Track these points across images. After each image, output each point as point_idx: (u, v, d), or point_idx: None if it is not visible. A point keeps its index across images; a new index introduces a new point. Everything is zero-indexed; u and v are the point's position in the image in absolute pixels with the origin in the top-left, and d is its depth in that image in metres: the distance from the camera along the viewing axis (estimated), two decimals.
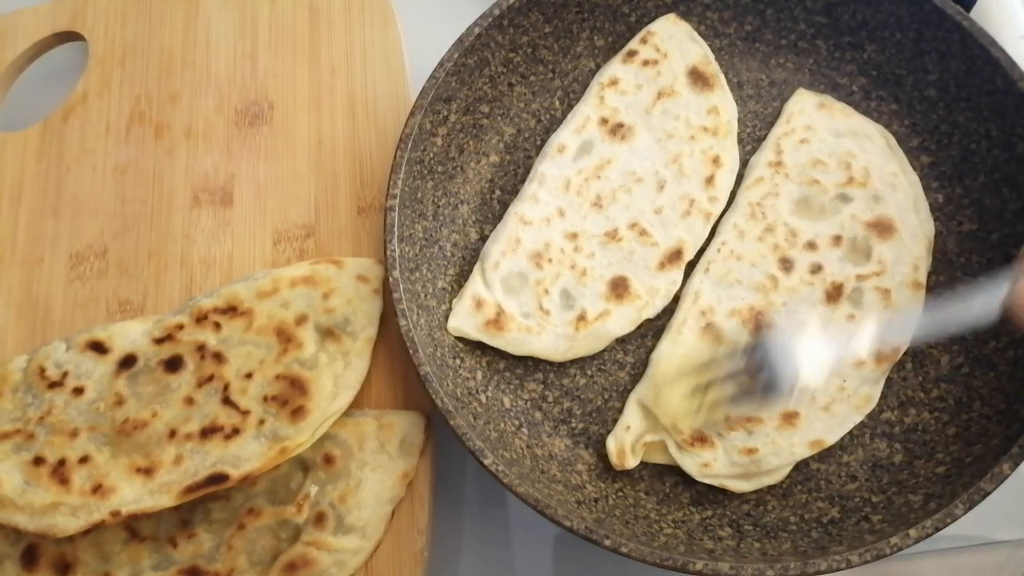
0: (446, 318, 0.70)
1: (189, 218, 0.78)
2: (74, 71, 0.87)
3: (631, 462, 0.65)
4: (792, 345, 0.61)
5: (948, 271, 0.71)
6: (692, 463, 0.65)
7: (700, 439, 0.65)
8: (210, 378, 0.68)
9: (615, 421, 0.69)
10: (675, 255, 0.71)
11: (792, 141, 0.74)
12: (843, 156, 0.73)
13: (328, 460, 0.67)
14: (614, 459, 0.65)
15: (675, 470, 0.67)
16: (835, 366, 0.63)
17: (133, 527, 0.66)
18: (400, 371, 0.72)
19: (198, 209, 0.78)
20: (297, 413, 0.66)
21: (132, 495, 0.63)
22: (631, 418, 0.67)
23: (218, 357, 0.68)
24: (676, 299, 0.71)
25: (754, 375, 0.62)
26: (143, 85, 0.84)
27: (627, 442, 0.65)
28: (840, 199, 0.72)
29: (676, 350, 0.68)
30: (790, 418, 0.65)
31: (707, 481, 0.65)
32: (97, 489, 0.63)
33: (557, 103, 0.79)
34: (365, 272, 0.73)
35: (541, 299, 0.70)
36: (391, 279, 0.65)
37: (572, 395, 0.70)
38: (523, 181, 0.76)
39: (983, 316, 0.57)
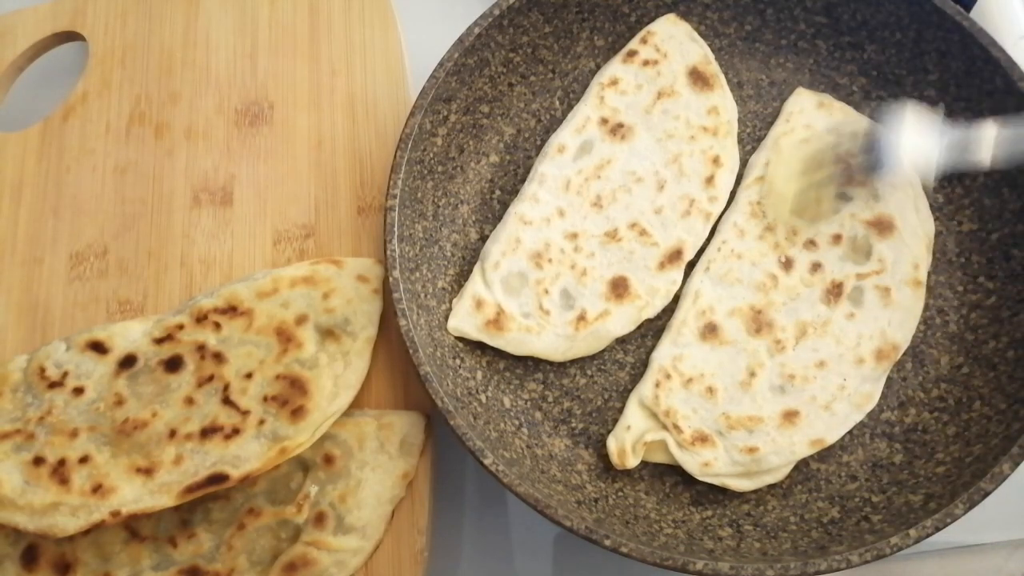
0: (446, 318, 0.70)
1: (189, 218, 0.78)
2: (74, 71, 0.87)
3: (632, 461, 0.65)
4: (903, 134, 0.63)
5: (948, 271, 0.71)
6: (693, 462, 0.65)
7: (701, 438, 0.65)
8: (210, 378, 0.68)
9: (615, 421, 0.69)
10: (675, 255, 0.71)
11: (792, 140, 0.74)
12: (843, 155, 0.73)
13: (328, 460, 0.67)
14: (615, 459, 0.65)
15: (675, 470, 0.67)
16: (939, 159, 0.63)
17: (133, 527, 0.66)
18: (400, 371, 0.72)
19: (198, 209, 0.78)
20: (297, 413, 0.66)
21: (132, 495, 0.63)
22: (632, 418, 0.67)
23: (218, 357, 0.68)
24: (676, 299, 0.71)
25: (864, 155, 0.65)
26: (143, 85, 0.84)
27: (628, 442, 0.65)
28: (840, 197, 0.72)
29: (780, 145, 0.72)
30: (791, 417, 0.65)
31: (708, 480, 0.65)
32: (97, 489, 0.63)
33: (557, 103, 0.79)
34: (365, 272, 0.73)
35: (541, 299, 0.70)
36: (391, 279, 0.65)
37: (572, 395, 0.70)
38: (523, 181, 0.76)
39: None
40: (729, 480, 0.65)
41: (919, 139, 0.63)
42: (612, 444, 0.66)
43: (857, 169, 0.66)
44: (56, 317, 0.75)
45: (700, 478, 0.65)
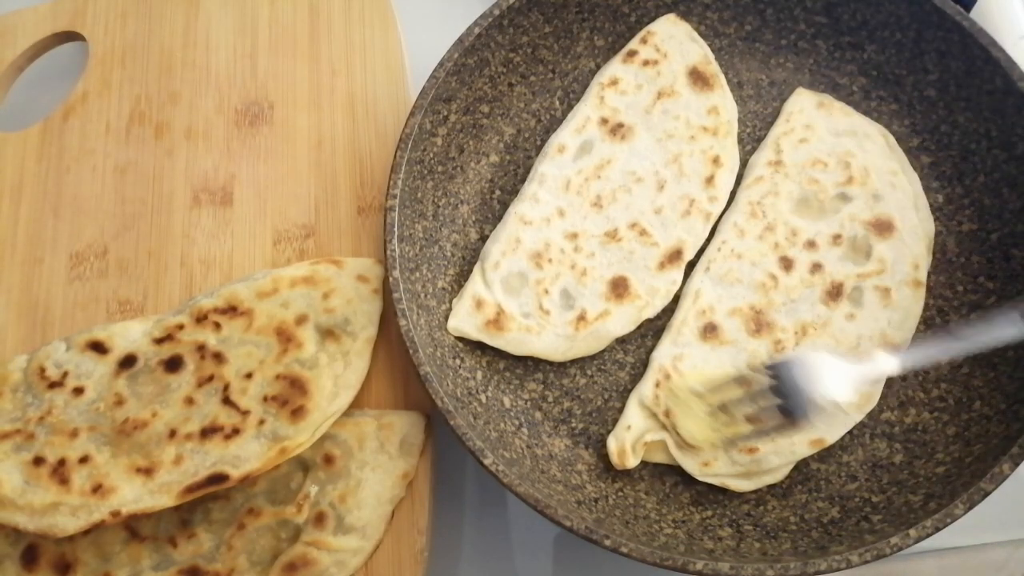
0: (446, 318, 0.70)
1: (189, 218, 0.78)
2: (74, 71, 0.87)
3: (632, 461, 0.65)
4: (810, 373, 0.60)
5: (948, 271, 0.71)
6: (693, 462, 0.65)
7: None
8: (210, 378, 0.68)
9: (615, 421, 0.69)
10: (675, 255, 0.71)
11: (792, 140, 0.74)
12: (842, 155, 0.73)
13: (328, 460, 0.67)
14: (615, 458, 0.65)
15: (675, 470, 0.67)
16: (852, 393, 0.61)
17: (133, 527, 0.66)
18: (400, 371, 0.71)
19: (198, 209, 0.78)
20: (297, 413, 0.66)
21: (132, 495, 0.63)
22: (632, 417, 0.67)
23: (218, 357, 0.68)
24: (676, 299, 0.71)
25: (774, 399, 0.60)
26: (143, 85, 0.84)
27: (628, 441, 0.65)
28: (840, 198, 0.72)
29: (697, 369, 0.67)
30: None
31: (708, 480, 0.65)
32: (97, 489, 0.63)
33: (557, 103, 0.79)
34: (365, 272, 0.73)
35: (541, 299, 0.70)
36: (391, 279, 0.65)
37: (572, 395, 0.70)
38: (523, 181, 0.76)
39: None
40: (729, 480, 0.65)
41: (828, 375, 0.60)
42: (612, 444, 0.66)
43: (771, 420, 0.61)
44: (56, 317, 0.75)
45: (700, 478, 0.65)
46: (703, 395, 0.65)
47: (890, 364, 0.60)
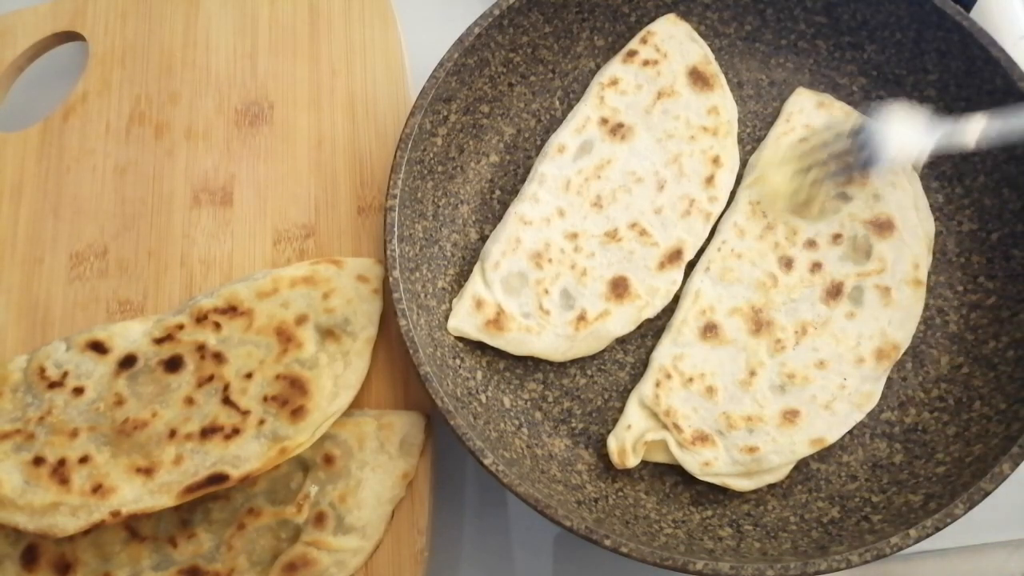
0: (446, 318, 0.70)
1: (189, 218, 0.78)
2: (74, 71, 0.87)
3: (632, 461, 0.65)
4: (892, 127, 0.65)
5: (948, 271, 0.71)
6: (693, 462, 0.65)
7: (701, 438, 0.65)
8: (210, 378, 0.68)
9: (615, 421, 0.69)
10: (675, 255, 0.71)
11: (791, 140, 0.74)
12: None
13: (328, 460, 0.67)
14: (615, 458, 0.65)
15: (675, 470, 0.67)
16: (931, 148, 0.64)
17: (133, 527, 0.66)
18: (400, 371, 0.72)
19: (198, 209, 0.78)
20: (297, 413, 0.66)
21: (132, 495, 0.63)
22: (632, 417, 0.67)
23: (218, 357, 0.68)
24: (676, 299, 0.71)
25: (856, 152, 0.66)
26: (143, 85, 0.84)
27: (628, 441, 0.65)
28: (840, 198, 0.72)
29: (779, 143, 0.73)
30: (791, 416, 0.65)
31: (708, 480, 0.65)
32: (97, 489, 0.63)
33: (557, 103, 0.79)
34: (365, 272, 0.73)
35: (541, 299, 0.70)
36: (391, 279, 0.65)
37: (572, 395, 0.70)
38: (523, 181, 0.76)
39: None
40: (729, 480, 0.65)
41: (909, 132, 0.64)
42: (612, 444, 0.66)
43: (852, 166, 0.67)
44: (56, 317, 0.75)
45: (701, 478, 0.65)
46: (790, 160, 0.70)
47: (973, 129, 0.62)
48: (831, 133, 0.69)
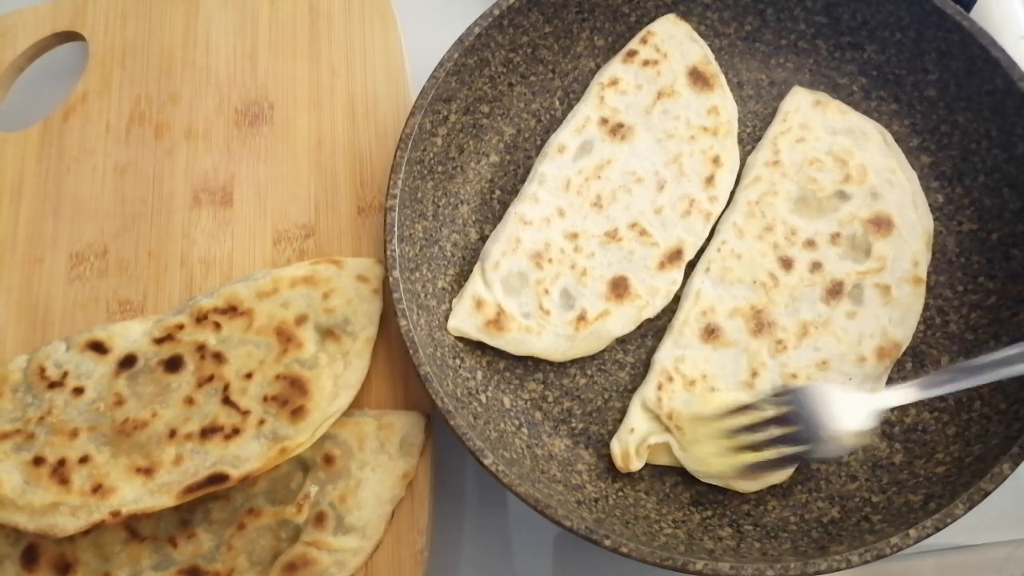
0: (446, 318, 0.70)
1: (189, 218, 0.78)
2: (74, 71, 0.87)
3: (636, 464, 0.65)
4: (819, 402, 0.59)
5: (948, 271, 0.71)
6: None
7: None
8: (210, 378, 0.68)
9: (615, 421, 0.69)
10: (675, 255, 0.71)
11: (789, 140, 0.74)
12: (840, 154, 0.73)
13: (328, 460, 0.67)
14: (619, 462, 0.65)
15: (675, 470, 0.67)
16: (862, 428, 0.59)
17: (133, 527, 0.66)
18: (400, 371, 0.71)
19: (198, 209, 0.78)
20: (297, 413, 0.66)
21: (132, 495, 0.63)
22: (635, 420, 0.67)
23: (218, 357, 0.68)
24: (676, 299, 0.71)
25: (782, 428, 0.60)
26: (143, 85, 0.84)
27: (631, 445, 0.65)
28: (838, 197, 0.72)
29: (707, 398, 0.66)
30: None
31: (712, 481, 0.65)
32: (97, 489, 0.63)
33: (557, 103, 0.79)
34: (365, 272, 0.73)
35: (541, 299, 0.70)
36: (391, 279, 0.65)
37: (572, 395, 0.70)
38: (523, 181, 0.76)
39: None
40: (733, 481, 0.65)
41: (836, 410, 0.59)
42: (616, 447, 0.66)
43: (792, 451, 0.60)
44: (56, 317, 0.75)
45: (704, 480, 0.65)
46: (710, 421, 0.64)
47: (898, 396, 0.59)
48: (751, 403, 0.62)
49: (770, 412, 0.60)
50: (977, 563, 0.68)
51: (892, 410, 0.68)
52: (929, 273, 0.70)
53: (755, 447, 0.60)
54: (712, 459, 0.63)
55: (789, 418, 0.60)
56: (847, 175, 0.72)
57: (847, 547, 0.57)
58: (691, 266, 0.72)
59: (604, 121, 0.75)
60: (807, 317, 0.68)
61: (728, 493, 0.65)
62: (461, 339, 0.70)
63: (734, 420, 0.62)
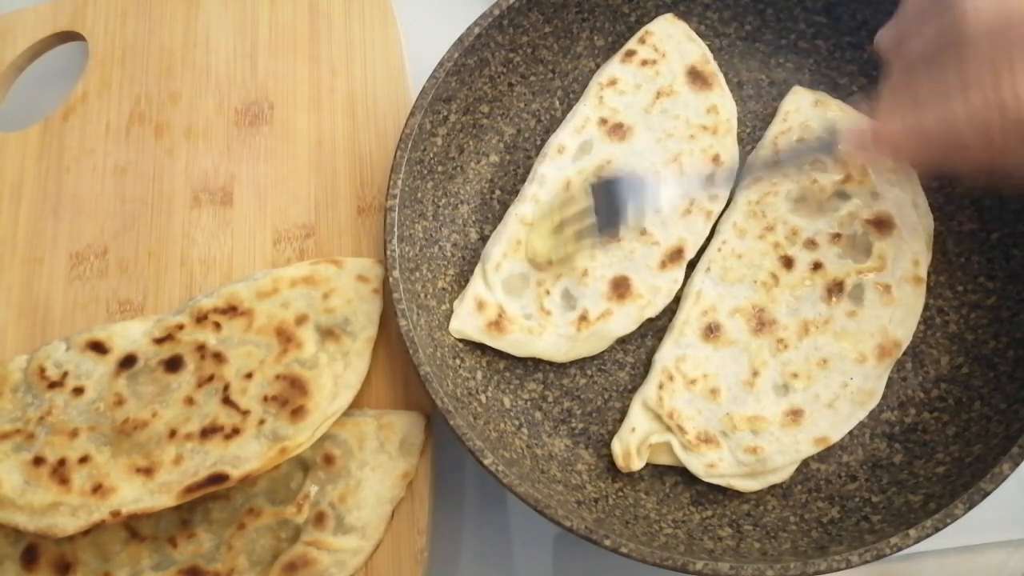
0: (446, 318, 0.70)
1: (189, 218, 0.78)
2: (74, 71, 0.87)
3: (637, 464, 0.65)
4: (629, 184, 0.68)
5: (948, 271, 0.71)
6: (698, 463, 0.65)
7: (705, 439, 0.65)
8: (210, 378, 0.68)
9: (615, 421, 0.69)
10: (676, 254, 0.71)
11: (789, 139, 0.74)
12: (840, 153, 0.73)
13: (328, 460, 0.67)
14: (620, 461, 0.65)
15: (675, 470, 0.67)
16: (672, 199, 0.69)
17: (133, 527, 0.66)
18: (400, 371, 0.72)
19: (198, 209, 0.78)
20: (297, 413, 0.66)
21: (132, 495, 0.63)
22: (636, 420, 0.67)
23: (218, 357, 0.68)
24: (676, 299, 0.71)
25: (597, 211, 0.68)
26: (143, 85, 0.84)
27: (632, 444, 0.65)
28: (838, 196, 0.72)
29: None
30: (795, 415, 0.65)
31: (713, 481, 0.65)
32: (97, 489, 0.63)
33: (557, 103, 0.79)
34: (365, 272, 0.73)
35: (542, 300, 0.70)
36: (391, 279, 0.65)
37: (572, 395, 0.70)
38: (523, 181, 0.76)
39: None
40: (734, 480, 0.65)
41: (650, 186, 0.68)
42: (617, 447, 0.66)
43: (599, 222, 0.68)
44: (56, 317, 0.75)
45: (705, 479, 0.65)
46: (547, 214, 0.71)
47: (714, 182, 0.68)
48: (576, 192, 0.71)
49: (582, 204, 0.69)
50: (977, 563, 0.68)
51: (892, 410, 0.68)
52: (929, 273, 0.70)
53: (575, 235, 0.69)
54: (543, 247, 0.70)
55: (599, 207, 0.68)
56: (847, 175, 0.72)
57: (847, 547, 0.57)
58: (691, 266, 0.72)
59: (603, 121, 0.75)
60: (808, 316, 0.68)
61: (728, 493, 0.66)
62: (461, 339, 0.70)
63: (561, 211, 0.70)
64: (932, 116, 0.53)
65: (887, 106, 0.56)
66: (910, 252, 0.69)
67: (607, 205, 0.68)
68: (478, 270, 0.72)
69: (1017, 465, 0.58)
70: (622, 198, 0.67)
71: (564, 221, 0.69)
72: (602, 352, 0.71)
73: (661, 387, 0.67)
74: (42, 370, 0.69)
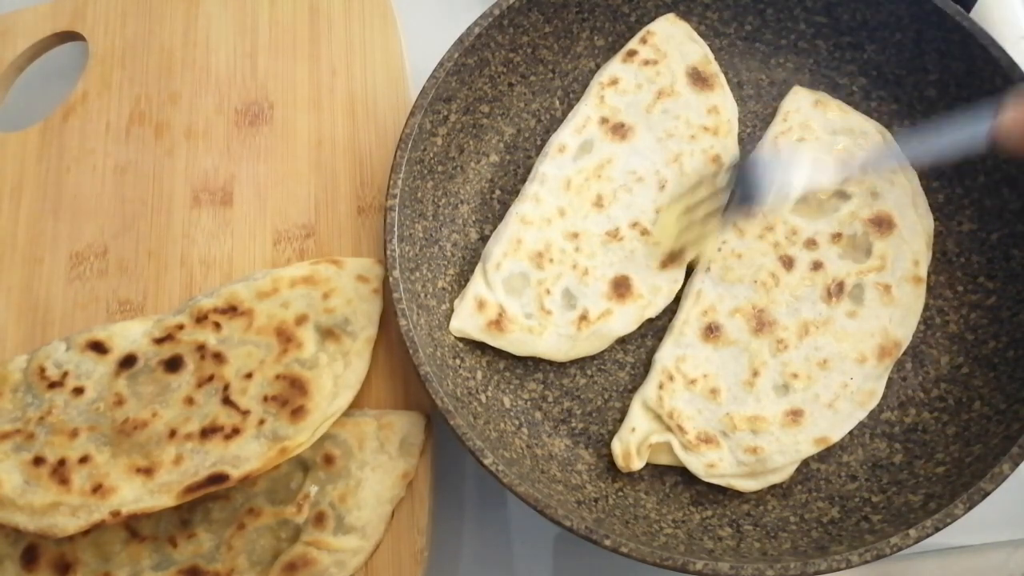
0: (446, 318, 0.70)
1: (189, 218, 0.78)
2: (74, 71, 0.87)
3: (637, 464, 0.65)
4: (768, 163, 0.67)
5: (948, 271, 0.71)
6: (698, 463, 0.65)
7: (705, 439, 0.65)
8: (210, 378, 0.67)
9: (615, 421, 0.69)
10: (677, 254, 0.71)
11: (789, 139, 0.74)
12: (840, 153, 0.73)
13: (328, 460, 0.67)
14: (620, 461, 0.65)
15: (675, 470, 0.67)
16: (806, 185, 0.68)
17: (133, 527, 0.66)
18: (400, 371, 0.71)
19: (198, 209, 0.78)
20: (297, 413, 0.66)
21: (132, 495, 0.63)
22: (636, 420, 0.67)
23: (218, 357, 0.68)
24: (676, 299, 0.71)
25: (734, 189, 0.68)
26: (143, 85, 0.84)
27: (633, 444, 0.65)
28: (838, 196, 0.72)
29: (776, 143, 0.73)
30: (795, 416, 0.65)
31: (713, 481, 0.65)
32: (97, 489, 0.63)
33: (557, 103, 0.79)
34: (365, 272, 0.73)
35: (543, 299, 0.70)
36: (391, 279, 0.65)
37: (572, 395, 0.70)
38: (523, 181, 0.76)
39: (971, 144, 0.59)
40: (735, 480, 0.65)
41: (788, 167, 0.67)
42: (617, 447, 0.66)
43: (733, 202, 0.68)
44: (56, 317, 0.75)
45: (705, 479, 0.65)
46: (678, 199, 0.71)
47: (856, 164, 0.67)
48: (711, 172, 0.71)
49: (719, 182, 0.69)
50: (977, 563, 0.68)
51: (892, 410, 0.68)
52: (929, 273, 0.70)
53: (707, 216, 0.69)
54: (671, 227, 0.71)
55: (735, 181, 0.68)
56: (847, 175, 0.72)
57: (847, 547, 0.57)
58: (691, 266, 0.72)
59: (604, 120, 0.75)
60: (808, 316, 0.68)
61: (728, 493, 0.66)
62: (461, 339, 0.70)
63: (694, 194, 0.70)
64: None
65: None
66: (910, 252, 0.70)
67: (746, 183, 0.67)
68: (479, 269, 0.72)
69: (1017, 465, 0.58)
70: (764, 176, 0.66)
71: (694, 204, 0.70)
72: (602, 352, 0.71)
73: (661, 387, 0.67)
74: (42, 370, 0.69)
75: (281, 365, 0.68)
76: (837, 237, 0.71)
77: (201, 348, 0.69)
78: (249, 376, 0.67)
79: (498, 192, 0.77)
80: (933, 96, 0.74)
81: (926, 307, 0.70)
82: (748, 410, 0.66)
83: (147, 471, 0.64)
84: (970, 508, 0.57)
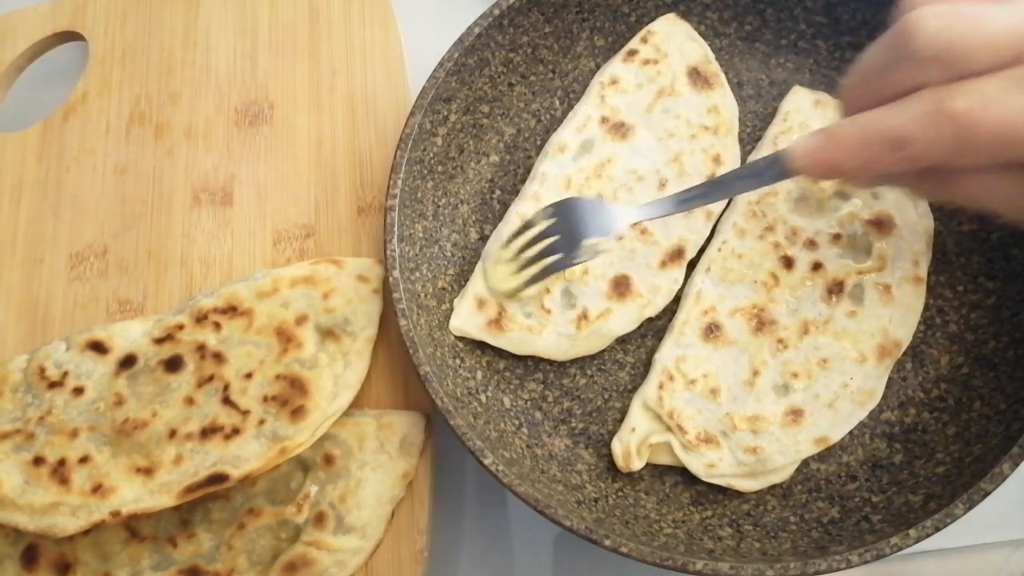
0: (446, 318, 0.70)
1: (189, 218, 0.78)
2: (74, 71, 0.87)
3: (637, 464, 0.65)
4: (586, 209, 0.66)
5: (948, 271, 0.71)
6: (698, 463, 0.65)
7: (705, 439, 0.65)
8: (210, 378, 0.68)
9: (615, 421, 0.69)
10: (676, 253, 0.71)
11: (789, 139, 0.74)
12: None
13: (328, 460, 0.67)
14: (620, 462, 0.65)
15: (675, 469, 0.67)
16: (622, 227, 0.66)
17: (133, 527, 0.66)
18: (400, 371, 0.72)
19: (198, 209, 0.78)
20: (297, 413, 0.66)
21: (132, 495, 0.63)
22: (636, 420, 0.67)
23: (218, 357, 0.68)
24: (676, 299, 0.71)
25: (553, 235, 0.66)
26: (143, 85, 0.84)
27: (632, 444, 0.65)
28: (838, 196, 0.72)
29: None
30: (795, 415, 0.65)
31: (713, 481, 0.65)
32: (97, 489, 0.63)
33: (557, 103, 0.79)
34: (365, 272, 0.73)
35: (542, 298, 0.70)
36: (391, 279, 0.65)
37: (572, 395, 0.70)
38: (523, 181, 0.76)
39: None
40: (735, 480, 0.65)
41: (604, 214, 0.66)
42: (617, 447, 0.66)
43: (558, 257, 0.66)
44: (56, 317, 0.75)
45: (705, 479, 0.65)
46: (502, 248, 0.70)
47: (649, 211, 0.65)
48: (535, 223, 0.68)
49: (540, 227, 0.67)
50: (977, 563, 0.68)
51: (892, 410, 0.68)
52: (929, 273, 0.70)
53: (532, 261, 0.67)
54: (505, 279, 0.69)
55: (553, 231, 0.66)
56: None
57: (847, 547, 0.57)
58: (691, 266, 0.72)
59: (605, 120, 0.75)
60: (808, 316, 0.68)
61: (728, 493, 0.66)
62: (461, 339, 0.70)
63: (516, 241, 0.68)
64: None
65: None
66: (910, 252, 0.70)
67: (567, 228, 0.66)
68: (479, 268, 0.72)
69: (1017, 465, 0.57)
70: (582, 220, 0.65)
71: (522, 248, 0.68)
72: (602, 352, 0.71)
73: (661, 387, 0.67)
74: (42, 370, 0.69)
75: (281, 365, 0.68)
76: (837, 237, 0.71)
77: (201, 348, 0.69)
78: (249, 376, 0.67)
79: (498, 192, 0.77)
80: None
81: (926, 307, 0.69)
82: (748, 410, 0.66)
83: (147, 471, 0.64)
84: (970, 508, 0.57)
